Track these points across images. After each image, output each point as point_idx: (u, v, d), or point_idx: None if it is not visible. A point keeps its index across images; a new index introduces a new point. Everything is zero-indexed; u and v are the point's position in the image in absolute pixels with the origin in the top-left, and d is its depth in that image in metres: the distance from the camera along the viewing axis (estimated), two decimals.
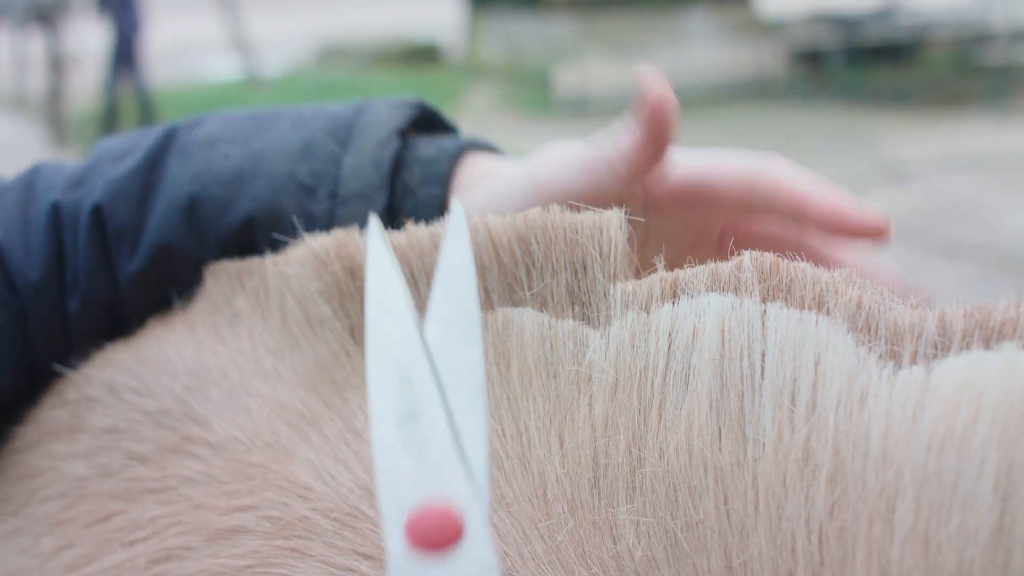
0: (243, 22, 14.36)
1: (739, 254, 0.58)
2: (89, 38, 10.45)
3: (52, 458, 0.75)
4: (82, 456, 0.73)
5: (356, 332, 0.68)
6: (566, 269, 0.62)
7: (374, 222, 0.53)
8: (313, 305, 0.70)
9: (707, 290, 0.57)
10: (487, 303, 0.64)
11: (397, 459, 0.45)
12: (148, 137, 0.82)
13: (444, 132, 0.87)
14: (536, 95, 12.62)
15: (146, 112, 10.19)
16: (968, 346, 0.51)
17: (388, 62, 15.85)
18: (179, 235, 0.78)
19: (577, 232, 0.62)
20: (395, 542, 0.44)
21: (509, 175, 0.76)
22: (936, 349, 0.51)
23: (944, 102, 11.45)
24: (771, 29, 13.82)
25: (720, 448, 0.53)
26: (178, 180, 0.78)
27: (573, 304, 0.61)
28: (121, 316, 0.81)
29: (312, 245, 0.70)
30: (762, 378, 0.53)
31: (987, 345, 0.50)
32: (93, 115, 11.09)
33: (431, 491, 0.45)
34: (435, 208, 0.77)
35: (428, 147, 0.80)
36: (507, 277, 0.64)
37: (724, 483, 0.52)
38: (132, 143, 0.82)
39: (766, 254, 0.58)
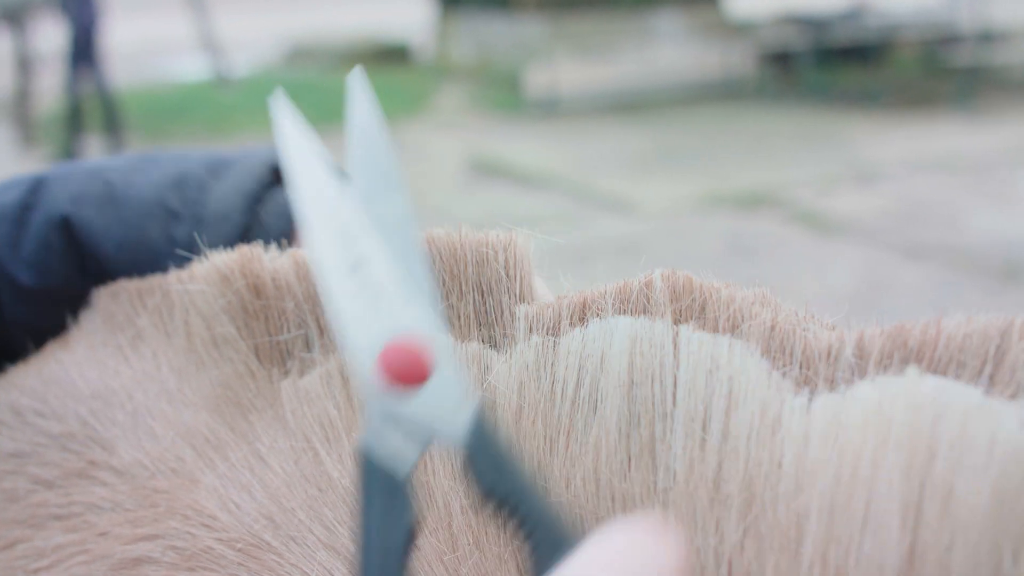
0: (211, 22, 14.29)
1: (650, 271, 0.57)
2: (57, 38, 10.35)
3: None
4: None
5: (261, 352, 0.66)
6: (473, 291, 0.60)
7: (280, 101, 0.52)
8: (218, 324, 0.68)
9: (616, 311, 0.56)
10: None
11: (356, 305, 0.46)
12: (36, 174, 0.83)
13: None
14: (506, 95, 12.62)
15: (109, 111, 10.08)
16: (886, 368, 0.50)
17: (357, 62, 15.60)
18: (56, 253, 0.78)
19: (484, 253, 0.61)
20: (371, 382, 0.45)
21: None
22: (852, 373, 0.50)
23: (912, 103, 11.53)
24: (740, 30, 13.88)
25: (629, 477, 0.52)
26: (57, 201, 0.78)
27: (480, 326, 0.60)
28: (11, 340, 0.81)
29: (216, 262, 0.68)
30: (674, 404, 0.52)
31: (905, 367, 0.49)
32: (60, 116, 11.02)
33: (396, 330, 0.46)
34: (283, 240, 0.75)
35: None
36: None
37: (632, 513, 0.51)
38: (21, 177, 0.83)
39: (678, 271, 0.56)
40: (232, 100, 12.87)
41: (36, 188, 0.80)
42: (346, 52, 16.35)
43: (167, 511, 0.62)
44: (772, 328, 0.53)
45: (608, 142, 10.32)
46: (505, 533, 0.48)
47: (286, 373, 0.64)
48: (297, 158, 0.50)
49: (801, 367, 0.51)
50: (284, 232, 0.76)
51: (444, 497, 0.56)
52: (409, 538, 0.44)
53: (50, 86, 12.07)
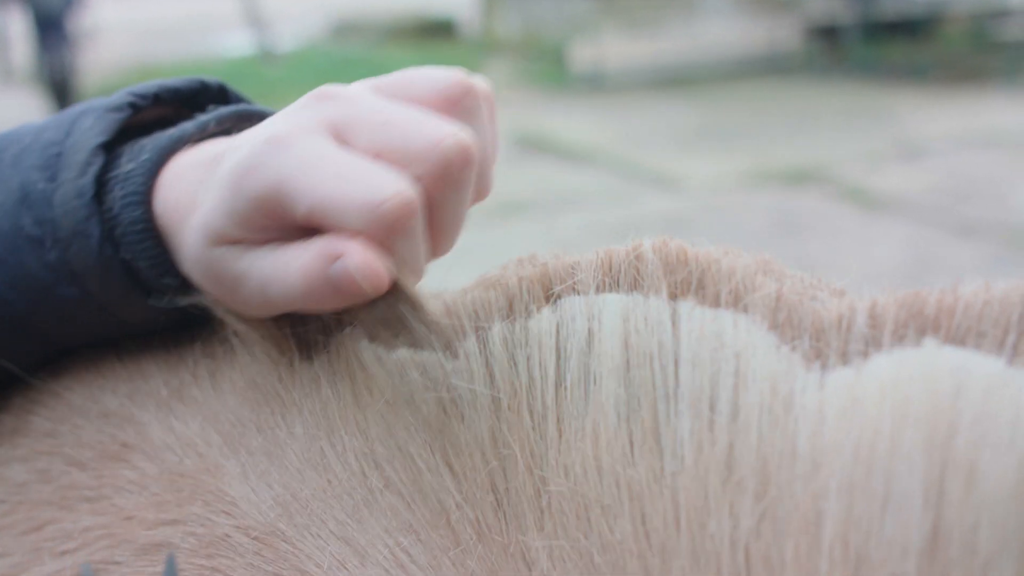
0: None
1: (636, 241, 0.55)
2: (104, 12, 10.41)
3: None
4: (22, 461, 0.71)
5: (279, 343, 0.65)
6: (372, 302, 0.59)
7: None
8: (233, 317, 0.67)
9: (600, 287, 0.54)
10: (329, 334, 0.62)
11: None
12: None
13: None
14: (552, 71, 12.53)
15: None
16: (901, 339, 0.47)
17: (402, 37, 15.78)
18: None
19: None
20: None
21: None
22: (866, 345, 0.48)
23: (960, 78, 11.37)
24: (787, 4, 13.71)
25: (633, 462, 0.50)
26: None
27: (396, 334, 0.58)
28: None
29: None
30: (677, 385, 0.50)
31: (922, 337, 0.47)
32: (108, 90, 11.06)
33: None
34: (141, 233, 0.67)
35: (131, 157, 0.69)
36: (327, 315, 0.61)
37: (641, 500, 0.49)
38: None
39: (670, 241, 0.54)
40: (278, 75, 12.87)
41: None
42: (392, 27, 16.31)
43: (191, 496, 0.62)
44: (778, 299, 0.50)
45: (654, 118, 10.25)
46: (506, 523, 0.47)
47: (309, 361, 0.63)
48: None
49: (811, 339, 0.49)
50: (136, 219, 0.67)
51: (435, 493, 0.54)
52: None
53: (96, 60, 12.12)
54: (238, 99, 0.77)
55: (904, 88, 11.15)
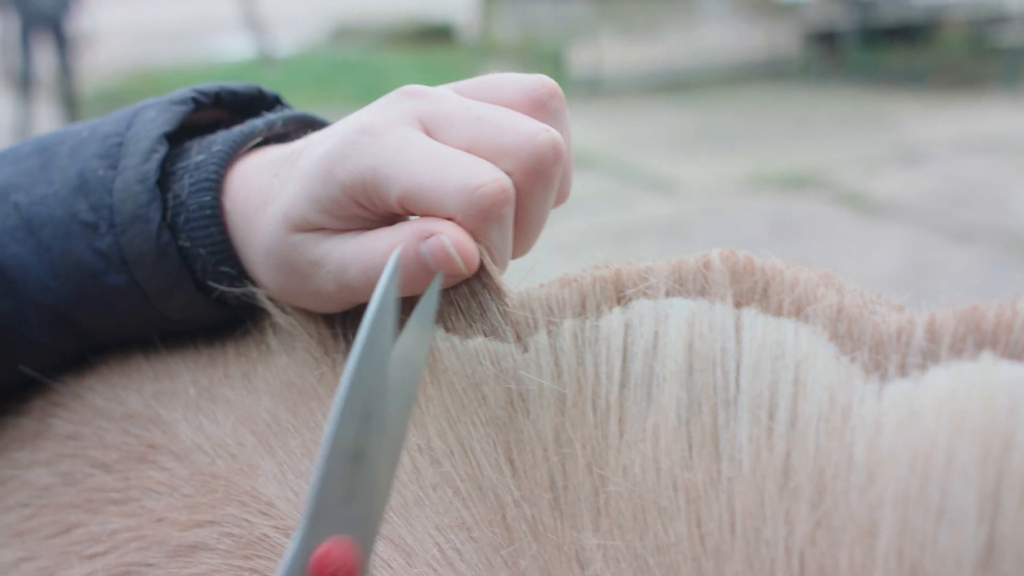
0: (256, 1, 14.32)
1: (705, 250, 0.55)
2: (102, 15, 10.44)
3: (14, 466, 0.73)
4: (45, 464, 0.71)
5: (325, 341, 0.65)
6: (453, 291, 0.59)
7: (392, 259, 0.50)
8: (282, 313, 0.67)
9: (669, 292, 0.54)
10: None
11: (332, 495, 0.46)
12: None
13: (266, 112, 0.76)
14: (550, 74, 12.22)
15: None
16: (959, 353, 0.48)
17: (401, 42, 15.82)
18: None
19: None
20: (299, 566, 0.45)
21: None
22: (924, 358, 0.48)
23: (959, 84, 11.39)
24: (786, 9, 13.74)
25: (691, 465, 0.50)
26: None
27: (472, 323, 0.59)
28: None
29: None
30: (737, 391, 0.50)
31: (979, 351, 0.47)
32: (106, 93, 11.09)
33: (343, 530, 0.46)
34: (208, 219, 0.68)
35: (200, 150, 0.71)
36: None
37: (696, 504, 0.49)
38: None
39: (737, 252, 0.55)
40: (276, 79, 12.88)
41: None
42: (390, 31, 16.36)
43: (225, 497, 0.62)
44: (839, 311, 0.51)
45: (652, 122, 10.27)
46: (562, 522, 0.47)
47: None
48: (371, 328, 0.47)
49: (870, 351, 0.49)
50: (204, 204, 0.68)
51: (493, 488, 0.55)
52: None
53: (95, 64, 12.13)
54: (290, 109, 0.78)
55: (902, 93, 11.18)
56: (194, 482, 0.64)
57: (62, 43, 10.47)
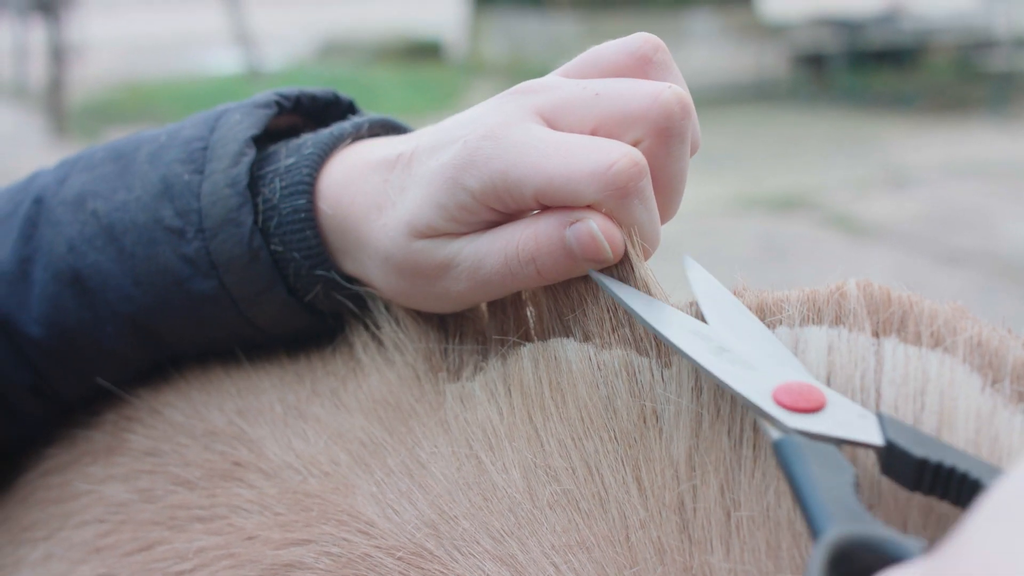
0: (245, 15, 14.32)
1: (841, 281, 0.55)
2: (92, 28, 10.43)
3: (88, 481, 0.72)
4: (122, 480, 0.70)
5: (433, 357, 0.65)
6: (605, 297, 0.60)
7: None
8: (388, 328, 0.67)
9: (804, 320, 0.54)
10: (537, 330, 0.62)
11: (730, 369, 0.50)
12: (19, 207, 0.75)
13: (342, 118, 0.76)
14: None
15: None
16: None
17: (390, 58, 15.82)
18: (71, 310, 0.72)
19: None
20: (772, 409, 0.48)
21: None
22: None
23: (946, 107, 11.44)
24: (774, 32, 13.81)
25: None
26: (55, 252, 0.72)
27: (614, 330, 0.59)
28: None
29: None
30: None
31: None
32: (94, 105, 11.07)
33: (780, 379, 0.50)
34: (303, 222, 0.68)
35: (289, 153, 0.71)
36: (559, 307, 0.61)
37: None
38: (7, 208, 0.76)
39: (874, 282, 0.55)
40: None
41: (28, 235, 0.73)
42: (378, 48, 16.37)
43: (320, 516, 0.61)
44: (979, 343, 0.50)
45: None
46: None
47: (457, 378, 0.63)
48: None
49: (1012, 383, 0.49)
50: (298, 208, 0.68)
51: (618, 507, 0.54)
52: (856, 483, 0.45)
53: (85, 76, 12.12)
54: (369, 114, 0.77)
55: (890, 117, 11.21)
56: (286, 500, 0.63)
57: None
